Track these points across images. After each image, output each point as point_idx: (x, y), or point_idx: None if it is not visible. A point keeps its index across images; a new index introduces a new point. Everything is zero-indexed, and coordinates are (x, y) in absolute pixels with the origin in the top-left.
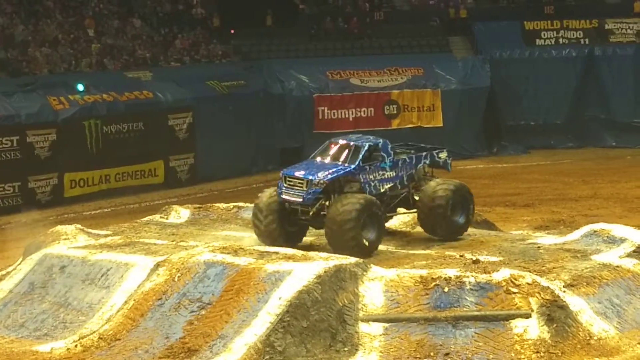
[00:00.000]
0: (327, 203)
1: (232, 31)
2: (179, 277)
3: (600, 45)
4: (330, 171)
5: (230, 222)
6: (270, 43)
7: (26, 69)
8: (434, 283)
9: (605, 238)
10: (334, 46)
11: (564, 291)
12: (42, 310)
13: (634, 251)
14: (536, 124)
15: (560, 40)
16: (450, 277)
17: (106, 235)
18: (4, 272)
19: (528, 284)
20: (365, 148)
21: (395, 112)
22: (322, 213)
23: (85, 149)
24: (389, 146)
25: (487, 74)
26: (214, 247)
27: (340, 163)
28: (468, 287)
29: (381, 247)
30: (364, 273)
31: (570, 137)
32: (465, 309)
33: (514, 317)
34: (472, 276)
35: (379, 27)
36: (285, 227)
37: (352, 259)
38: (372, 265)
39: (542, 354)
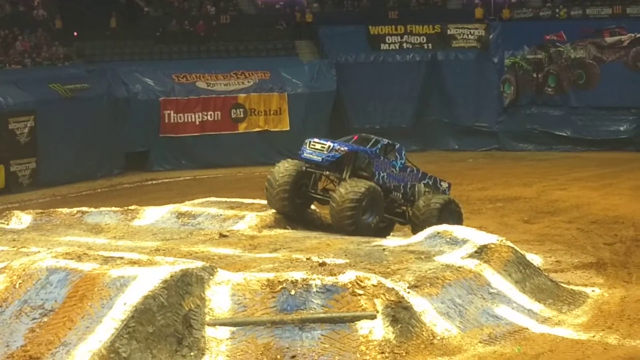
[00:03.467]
0: (337, 180)
1: (75, 33)
2: (20, 283)
3: (443, 50)
4: (352, 146)
5: (73, 227)
6: (114, 45)
7: None
8: (280, 286)
9: (448, 239)
10: (179, 49)
11: (408, 292)
12: None
13: (475, 252)
14: (381, 127)
15: (405, 45)
16: (296, 280)
17: None
18: None
19: (373, 285)
20: (384, 142)
21: (242, 115)
22: (329, 192)
23: None
24: (404, 152)
25: (333, 77)
26: (56, 252)
27: (361, 146)
28: (314, 289)
29: (228, 250)
30: (211, 277)
31: (415, 140)
32: (311, 312)
33: (359, 318)
34: (319, 279)
35: (225, 31)
36: (294, 199)
37: (199, 264)
38: (218, 269)
39: (387, 354)
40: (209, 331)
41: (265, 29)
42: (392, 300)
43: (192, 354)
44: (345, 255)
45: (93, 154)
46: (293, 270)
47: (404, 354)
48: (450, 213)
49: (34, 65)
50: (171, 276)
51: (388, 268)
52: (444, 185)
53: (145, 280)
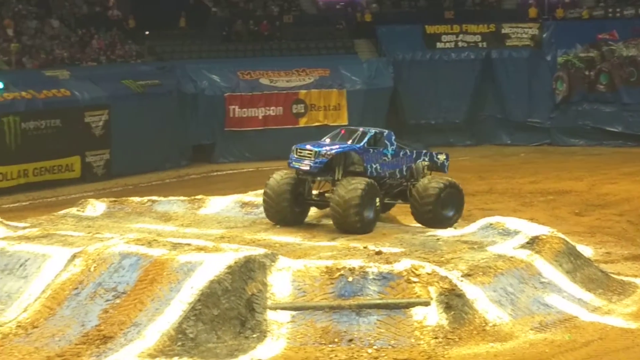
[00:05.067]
0: (331, 182)
1: (147, 32)
2: (94, 267)
3: (497, 48)
4: (337, 146)
5: (144, 215)
6: (183, 44)
7: None
8: (338, 273)
9: (501, 230)
10: (244, 47)
11: (462, 280)
12: None
13: (527, 242)
14: (436, 122)
15: (460, 43)
16: (354, 268)
17: (24, 227)
18: None
19: (428, 273)
20: (371, 134)
21: (302, 111)
22: (325, 194)
23: (4, 145)
24: (393, 137)
25: (390, 75)
26: (128, 239)
27: (347, 143)
28: (371, 276)
29: (289, 238)
30: (273, 263)
31: (468, 135)
32: (368, 298)
33: (414, 305)
34: (375, 266)
35: (287, 30)
36: (294, 209)
37: (261, 250)
38: (280, 256)
39: (440, 339)
40: (270, 315)
41: (326, 29)
42: (445, 288)
43: (254, 335)
44: (401, 244)
45: (162, 146)
46: (351, 258)
47: (457, 340)
48: (450, 196)
49: (108, 62)
50: (235, 262)
51: (442, 257)
52: (442, 157)
53: (211, 266)
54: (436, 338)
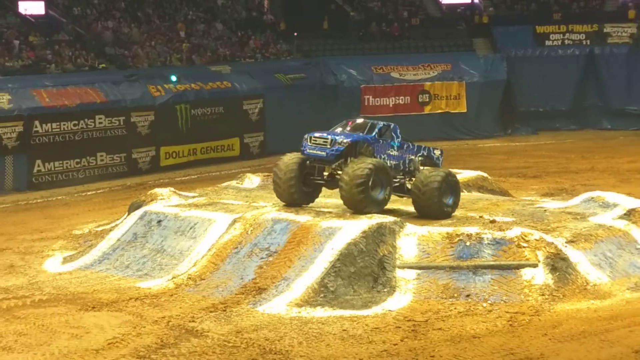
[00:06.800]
0: (341, 167)
1: (295, 34)
2: (251, 230)
3: (599, 45)
4: (352, 135)
5: None
6: (325, 43)
7: (130, 63)
8: (458, 238)
9: (601, 203)
10: (378, 46)
11: (566, 246)
12: (143, 255)
13: (624, 214)
14: (544, 109)
15: (566, 41)
16: (471, 234)
17: (194, 197)
18: (113, 225)
19: (536, 239)
20: (380, 125)
21: (427, 100)
22: (336, 176)
23: (177, 128)
24: (398, 130)
25: (504, 69)
26: (279, 207)
27: (359, 133)
28: (486, 241)
29: (412, 208)
30: (401, 229)
31: (573, 120)
32: (483, 260)
33: (523, 266)
34: (490, 233)
35: (415, 31)
36: (302, 189)
37: (391, 218)
38: (407, 223)
39: (546, 296)
40: (399, 273)
41: (448, 29)
42: (551, 252)
43: (385, 290)
44: (512, 214)
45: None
46: (468, 225)
47: (561, 297)
48: (449, 185)
49: (263, 59)
50: (369, 228)
51: (548, 226)
52: (437, 152)
53: (349, 230)
54: (543, 295)
